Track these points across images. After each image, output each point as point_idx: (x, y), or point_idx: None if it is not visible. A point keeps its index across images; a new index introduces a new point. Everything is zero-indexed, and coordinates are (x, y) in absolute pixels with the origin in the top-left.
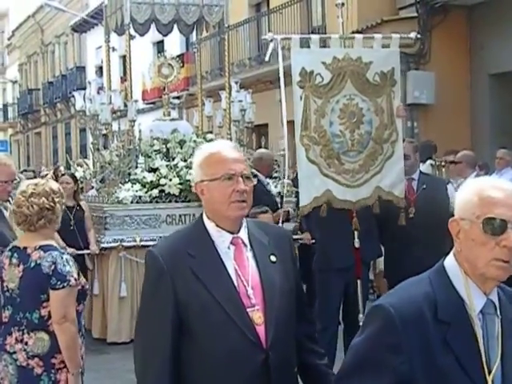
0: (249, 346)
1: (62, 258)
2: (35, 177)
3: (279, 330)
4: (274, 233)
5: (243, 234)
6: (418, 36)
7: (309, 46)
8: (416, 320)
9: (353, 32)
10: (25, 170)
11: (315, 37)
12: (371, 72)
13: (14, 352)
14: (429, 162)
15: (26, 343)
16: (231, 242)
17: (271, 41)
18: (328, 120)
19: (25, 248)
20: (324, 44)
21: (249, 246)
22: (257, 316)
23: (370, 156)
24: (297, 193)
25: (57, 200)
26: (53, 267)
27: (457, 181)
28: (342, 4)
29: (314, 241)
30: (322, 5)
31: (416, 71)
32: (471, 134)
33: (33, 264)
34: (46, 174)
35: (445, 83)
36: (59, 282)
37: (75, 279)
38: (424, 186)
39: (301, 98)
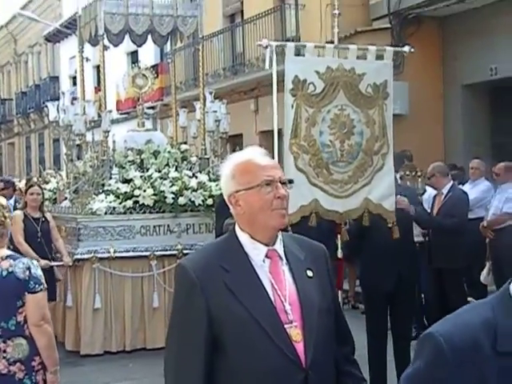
0: (287, 365)
1: (33, 263)
2: (12, 188)
3: (319, 348)
4: (309, 247)
5: (279, 246)
6: (412, 50)
7: (303, 54)
8: (470, 351)
9: (327, 42)
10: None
11: (310, 45)
12: (364, 83)
13: None
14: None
15: (5, 351)
16: (266, 255)
17: (266, 47)
18: (318, 129)
19: None
20: (317, 53)
21: (284, 260)
22: (295, 333)
23: (360, 167)
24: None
25: (7, 215)
26: (27, 272)
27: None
28: (339, 14)
29: None
30: (295, 15)
31: None
32: (445, 143)
33: (4, 273)
34: (19, 189)
35: (418, 94)
36: (37, 285)
37: (46, 282)
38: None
39: (292, 107)
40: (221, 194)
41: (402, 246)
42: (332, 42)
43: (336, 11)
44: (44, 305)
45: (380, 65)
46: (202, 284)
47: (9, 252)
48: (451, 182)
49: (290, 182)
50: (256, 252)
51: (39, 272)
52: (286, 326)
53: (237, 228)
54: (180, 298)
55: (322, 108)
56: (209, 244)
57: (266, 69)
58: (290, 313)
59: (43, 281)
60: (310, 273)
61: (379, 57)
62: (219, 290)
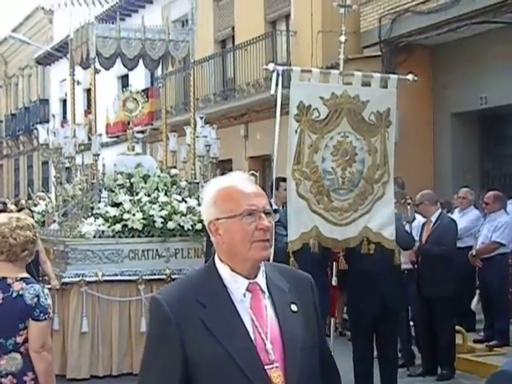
0: None
1: (43, 291)
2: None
3: None
4: (294, 278)
5: (261, 279)
6: (415, 78)
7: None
8: None
9: (326, 68)
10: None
11: (316, 70)
12: (367, 111)
13: None
14: None
15: None
16: (247, 289)
17: (273, 71)
18: (321, 156)
19: (4, 278)
20: (323, 79)
21: (267, 293)
22: (276, 375)
23: (360, 195)
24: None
25: (37, 235)
26: (35, 299)
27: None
28: (346, 40)
29: None
30: (286, 41)
31: None
32: (434, 171)
33: (15, 294)
34: (11, 210)
35: (408, 121)
36: (42, 314)
37: (53, 312)
38: None
39: (296, 132)
40: None
41: (386, 273)
42: (322, 68)
43: (342, 38)
44: (46, 333)
45: (384, 93)
46: (176, 320)
47: (24, 275)
48: (439, 209)
49: (275, 211)
50: (236, 286)
51: (48, 302)
52: (266, 367)
53: (216, 259)
54: (154, 335)
55: (325, 134)
56: (186, 276)
57: (271, 94)
58: (272, 352)
59: (50, 310)
60: (294, 307)
61: (383, 84)
62: (195, 327)
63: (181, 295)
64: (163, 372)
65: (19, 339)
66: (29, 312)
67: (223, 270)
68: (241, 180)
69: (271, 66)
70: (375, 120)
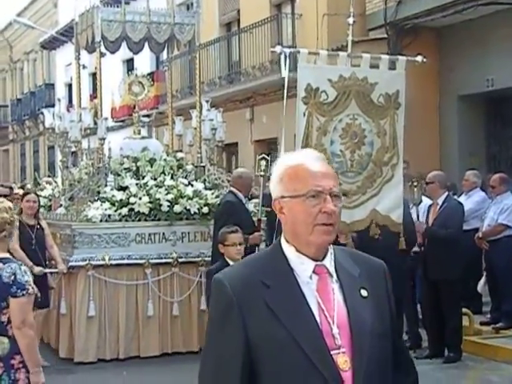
0: None
1: (20, 269)
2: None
3: (371, 379)
4: (365, 263)
5: (328, 261)
6: (424, 60)
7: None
8: None
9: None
10: (1, 185)
11: (323, 52)
12: (376, 93)
13: None
14: None
15: None
16: (314, 271)
17: (280, 53)
18: (329, 138)
19: None
20: (330, 61)
21: (335, 277)
22: (342, 360)
23: (369, 178)
24: (267, 212)
25: (15, 216)
26: (12, 277)
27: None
28: (354, 22)
29: None
30: (292, 24)
31: None
32: (440, 154)
33: None
34: (16, 193)
35: (414, 104)
36: (19, 291)
37: (32, 288)
38: None
39: (304, 114)
40: (222, 203)
41: (385, 260)
42: (327, 50)
43: (351, 19)
44: (27, 310)
45: (393, 74)
46: (239, 302)
47: (4, 255)
48: (446, 192)
49: (345, 195)
50: (302, 267)
51: (25, 278)
52: (332, 352)
53: (282, 239)
54: (215, 316)
55: (333, 117)
56: (250, 256)
57: (282, 76)
58: (338, 337)
59: (28, 287)
60: (364, 292)
61: (391, 66)
62: (259, 309)
63: (244, 276)
64: (225, 354)
65: (3, 318)
66: (7, 290)
67: (289, 251)
68: (310, 158)
69: (278, 49)
70: (384, 102)
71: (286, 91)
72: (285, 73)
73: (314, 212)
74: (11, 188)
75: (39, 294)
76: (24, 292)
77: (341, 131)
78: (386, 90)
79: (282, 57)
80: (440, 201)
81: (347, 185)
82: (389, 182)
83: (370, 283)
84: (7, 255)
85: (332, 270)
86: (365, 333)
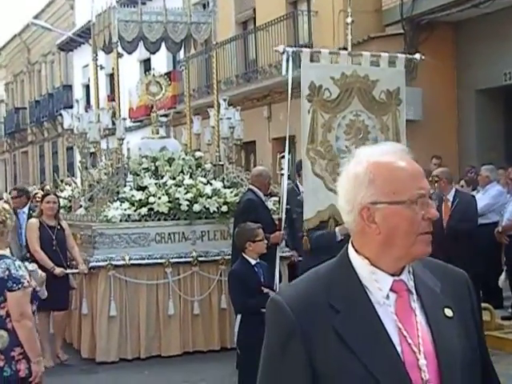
0: None
1: (14, 264)
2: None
3: None
4: (446, 275)
5: (406, 276)
6: (423, 57)
7: (317, 60)
8: None
9: (339, 49)
10: (15, 189)
11: (325, 51)
12: (377, 90)
13: None
14: None
15: None
16: (391, 289)
17: (283, 53)
18: (334, 135)
19: None
20: (332, 59)
21: (415, 294)
22: None
23: None
24: (287, 210)
25: (8, 216)
26: (7, 272)
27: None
28: (352, 21)
29: (300, 258)
30: (308, 22)
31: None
32: (459, 149)
33: None
34: (36, 193)
35: (432, 99)
36: (15, 285)
37: (28, 281)
38: None
39: (308, 112)
40: (242, 201)
41: None
42: (345, 49)
43: (349, 19)
44: (23, 302)
45: (393, 72)
46: (303, 329)
47: (0, 252)
48: (454, 188)
49: (431, 197)
50: (377, 284)
51: (20, 273)
52: None
53: (350, 251)
54: (273, 346)
55: (337, 114)
56: (312, 272)
57: (283, 75)
58: (426, 370)
59: (23, 280)
60: (448, 312)
61: (391, 63)
62: (327, 339)
63: (307, 297)
64: None
65: (2, 312)
66: (3, 284)
67: (360, 264)
68: (400, 153)
69: (281, 48)
70: (385, 98)
71: (290, 91)
72: (286, 72)
73: (418, 219)
74: (21, 190)
75: (38, 289)
76: (20, 286)
77: (345, 127)
78: (387, 86)
79: (285, 56)
80: (450, 196)
81: None
82: None
83: (454, 300)
84: (2, 252)
85: (411, 285)
86: (455, 364)
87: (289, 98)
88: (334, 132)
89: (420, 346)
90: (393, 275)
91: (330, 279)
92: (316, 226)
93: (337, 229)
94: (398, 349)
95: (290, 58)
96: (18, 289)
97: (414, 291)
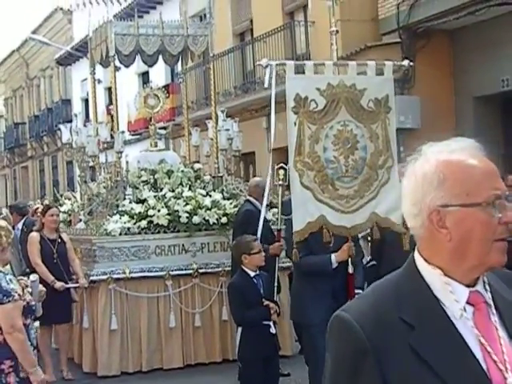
0: None
1: (5, 278)
2: (18, 213)
3: None
4: None
5: (482, 287)
6: (411, 64)
7: (303, 72)
8: None
9: (337, 58)
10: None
11: (309, 63)
12: (365, 99)
13: None
14: None
15: None
16: (467, 301)
17: (266, 66)
18: (322, 146)
19: None
20: (317, 70)
21: (493, 307)
22: None
23: (365, 182)
24: (285, 220)
25: (2, 233)
26: None
27: None
28: (337, 31)
29: None
30: (305, 33)
31: (401, 96)
32: None
33: None
34: (37, 208)
35: (430, 107)
36: (5, 298)
37: (19, 295)
38: None
39: (295, 124)
40: (240, 212)
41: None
42: (344, 58)
43: (333, 28)
44: (14, 315)
45: (381, 80)
46: (376, 348)
47: None
48: None
49: (507, 198)
50: (452, 297)
51: (11, 286)
52: None
53: (418, 260)
54: (342, 368)
55: (324, 124)
56: (377, 285)
57: (265, 87)
58: None
59: (14, 293)
60: None
61: (379, 71)
62: (403, 358)
63: (377, 313)
64: None
65: None
66: None
67: (431, 275)
68: (472, 150)
69: (264, 62)
70: (374, 107)
71: (273, 104)
72: (269, 85)
73: (495, 223)
74: (16, 207)
75: (32, 303)
76: (10, 298)
77: (333, 138)
78: (376, 95)
79: (268, 70)
80: None
81: (344, 189)
82: (385, 185)
83: None
84: None
85: (488, 297)
86: None
87: (273, 112)
88: (321, 143)
89: (506, 364)
90: (467, 286)
91: (399, 292)
92: (306, 246)
93: (332, 256)
94: (484, 367)
95: (274, 72)
96: (9, 301)
97: (492, 303)
